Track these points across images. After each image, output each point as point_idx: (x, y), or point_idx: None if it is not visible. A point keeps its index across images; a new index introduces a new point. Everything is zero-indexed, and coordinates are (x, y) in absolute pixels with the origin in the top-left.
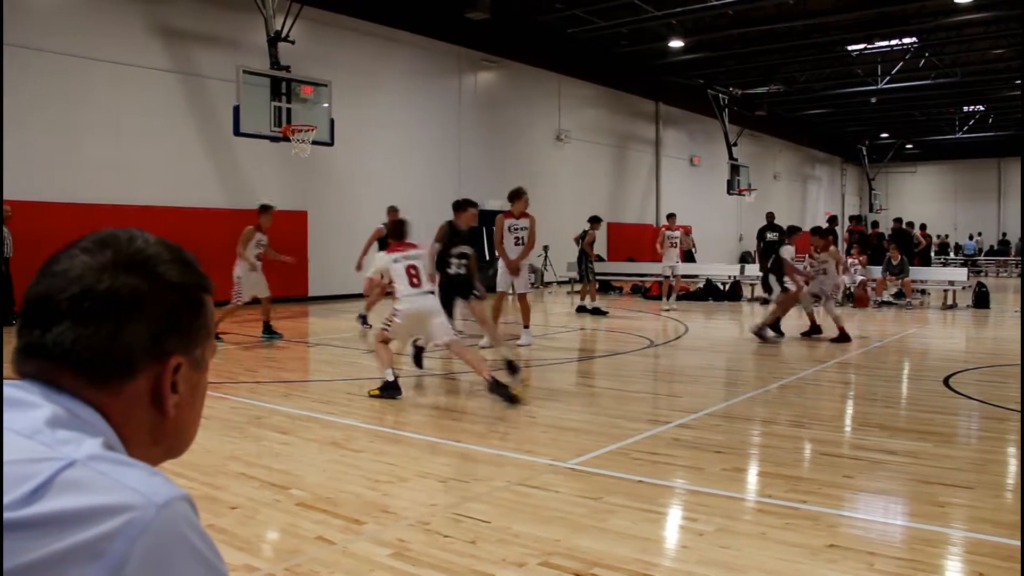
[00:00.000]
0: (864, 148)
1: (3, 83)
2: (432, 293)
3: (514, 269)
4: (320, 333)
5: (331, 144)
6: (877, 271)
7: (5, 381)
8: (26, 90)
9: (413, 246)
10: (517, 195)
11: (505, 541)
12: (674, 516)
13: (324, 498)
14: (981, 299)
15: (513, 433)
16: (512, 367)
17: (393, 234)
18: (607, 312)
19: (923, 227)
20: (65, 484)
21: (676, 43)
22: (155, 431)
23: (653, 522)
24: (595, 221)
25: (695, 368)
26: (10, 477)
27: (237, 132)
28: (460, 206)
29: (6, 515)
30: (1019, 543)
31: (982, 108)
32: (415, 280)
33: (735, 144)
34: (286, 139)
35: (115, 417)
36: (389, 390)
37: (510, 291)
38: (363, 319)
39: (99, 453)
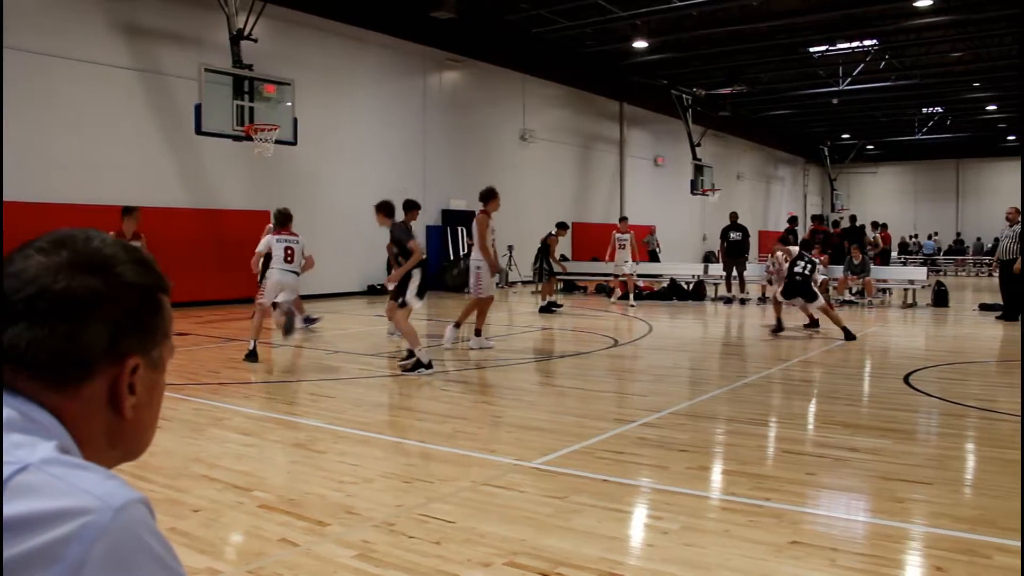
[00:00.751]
0: (826, 148)
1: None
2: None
3: (496, 270)
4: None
5: (294, 143)
6: (839, 270)
7: None
8: None
9: (294, 233)
10: (492, 194)
11: (471, 541)
12: (640, 515)
13: (288, 500)
14: (940, 298)
15: (478, 433)
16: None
17: (279, 222)
18: (561, 306)
19: (884, 227)
20: (19, 488)
21: (641, 43)
22: (112, 433)
23: (619, 521)
24: (562, 227)
25: (660, 367)
26: None
27: (199, 131)
28: (412, 206)
29: None
30: (975, 537)
31: (941, 110)
32: (289, 258)
33: (699, 144)
34: (249, 138)
35: (71, 420)
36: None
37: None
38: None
39: (53, 457)
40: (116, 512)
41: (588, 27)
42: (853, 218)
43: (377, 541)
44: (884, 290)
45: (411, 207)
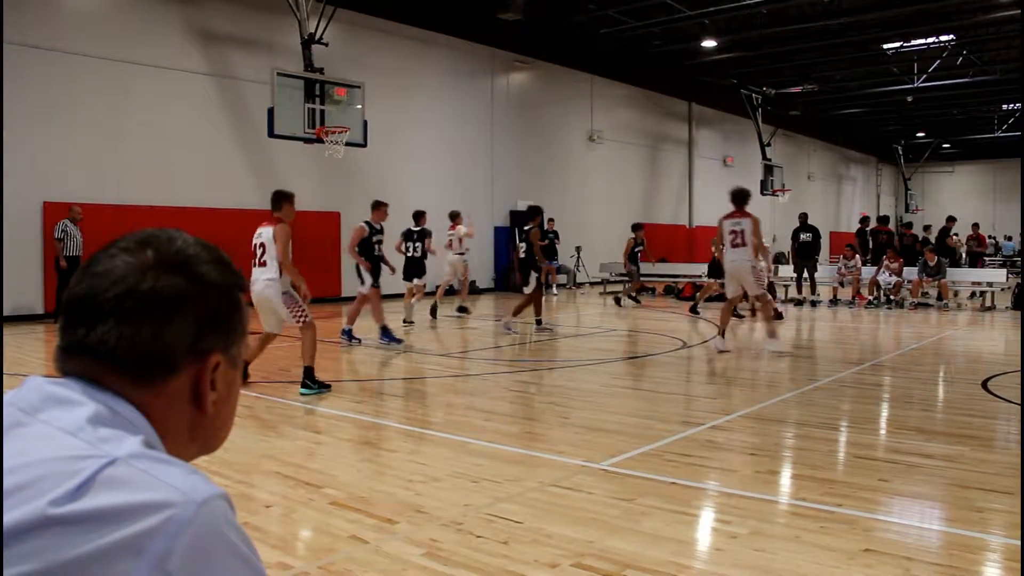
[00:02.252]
0: (900, 148)
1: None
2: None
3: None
4: (354, 333)
5: (364, 146)
6: (913, 272)
7: (50, 379)
8: (67, 93)
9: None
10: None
11: (538, 542)
12: (707, 518)
13: (357, 497)
14: (1021, 300)
15: (546, 434)
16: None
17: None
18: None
19: (975, 225)
20: (107, 481)
21: (709, 43)
22: (193, 428)
23: (686, 524)
24: (636, 228)
25: (728, 369)
26: (54, 473)
27: (271, 134)
28: (377, 205)
29: (52, 511)
30: None
31: (1021, 106)
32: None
33: (768, 144)
34: (320, 141)
35: (155, 415)
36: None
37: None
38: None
39: (140, 451)
40: (199, 506)
41: (655, 27)
42: (951, 219)
43: (445, 540)
44: (972, 294)
45: (376, 206)
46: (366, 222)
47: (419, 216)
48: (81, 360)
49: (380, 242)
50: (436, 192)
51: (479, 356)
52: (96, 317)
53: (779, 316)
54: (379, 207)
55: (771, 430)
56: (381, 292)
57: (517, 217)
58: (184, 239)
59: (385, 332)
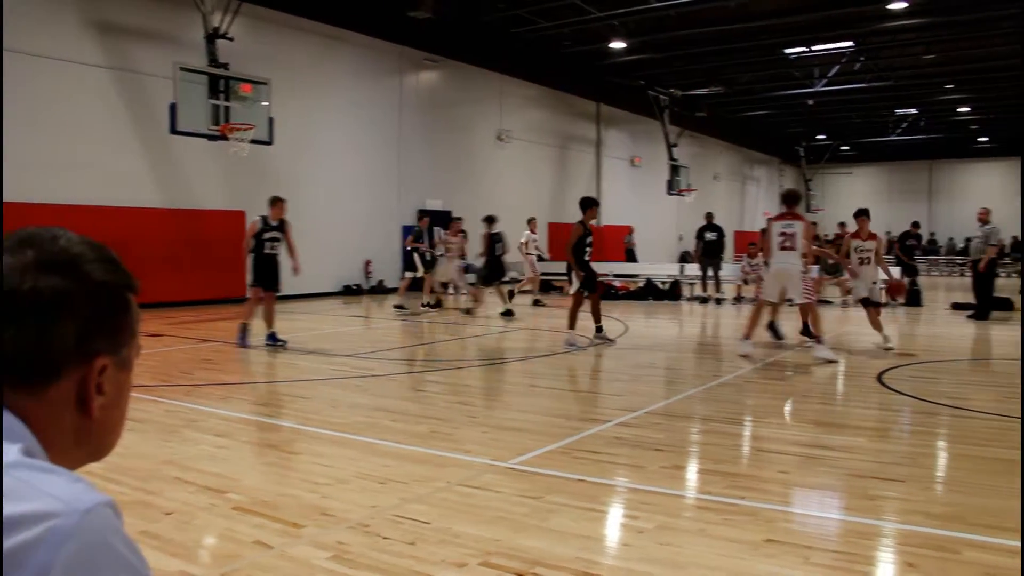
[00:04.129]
0: (802, 149)
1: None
2: None
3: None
4: (259, 334)
5: (270, 143)
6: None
7: None
8: None
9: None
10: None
11: (446, 542)
12: (615, 514)
13: (262, 501)
14: (914, 297)
15: (454, 433)
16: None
17: None
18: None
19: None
20: None
21: (618, 44)
22: (79, 434)
23: (594, 520)
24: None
25: (635, 367)
26: None
27: (174, 130)
28: (273, 201)
29: None
30: (946, 533)
31: (915, 111)
32: None
33: (675, 145)
34: (224, 138)
35: (36, 421)
36: None
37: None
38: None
39: (18, 460)
40: (82, 515)
41: (566, 27)
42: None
43: (352, 542)
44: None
45: (273, 202)
46: (261, 217)
47: (491, 220)
48: None
49: (276, 239)
50: (344, 190)
51: (387, 356)
52: None
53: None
54: (276, 203)
55: (677, 426)
56: (275, 293)
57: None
58: (68, 237)
59: (245, 335)
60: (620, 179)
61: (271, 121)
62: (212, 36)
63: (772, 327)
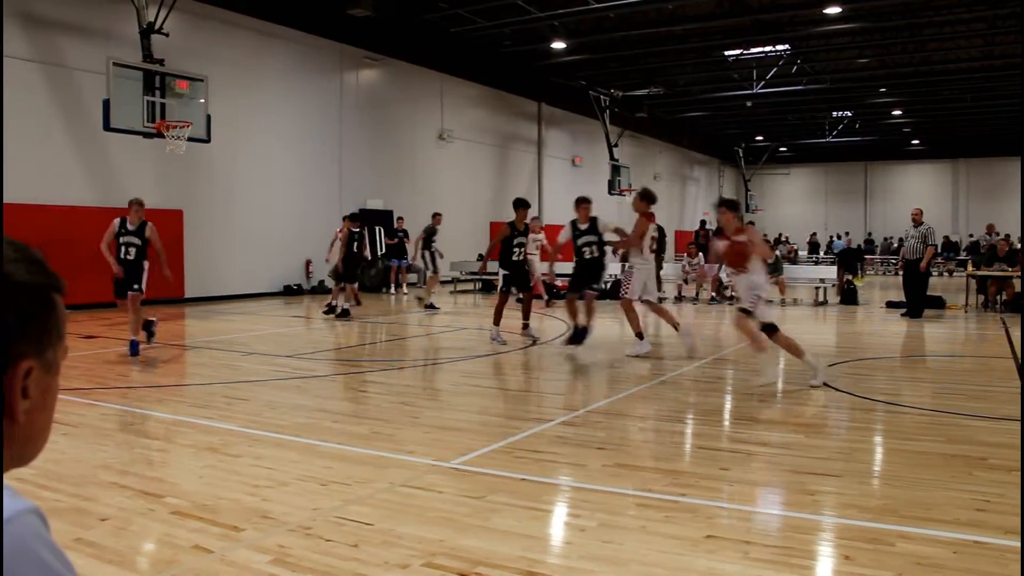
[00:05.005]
0: (740, 150)
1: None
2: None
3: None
4: (197, 335)
5: (208, 141)
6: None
7: None
8: None
9: None
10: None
11: (389, 543)
12: (558, 513)
13: (201, 505)
14: (849, 296)
15: (396, 434)
16: None
17: None
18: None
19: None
20: None
21: (559, 44)
22: (6, 440)
23: (537, 519)
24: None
25: (577, 366)
26: None
27: (107, 127)
28: (130, 204)
29: None
30: (880, 526)
31: (849, 114)
32: None
33: (616, 145)
34: (160, 135)
35: None
36: None
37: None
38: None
39: None
40: (6, 524)
41: (506, 27)
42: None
43: (293, 545)
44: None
45: (130, 204)
46: (120, 219)
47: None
48: None
49: (131, 244)
50: (284, 189)
51: (327, 357)
52: None
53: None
54: (131, 206)
55: (618, 424)
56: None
57: (366, 216)
58: None
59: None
60: (561, 179)
61: (208, 118)
62: (147, 31)
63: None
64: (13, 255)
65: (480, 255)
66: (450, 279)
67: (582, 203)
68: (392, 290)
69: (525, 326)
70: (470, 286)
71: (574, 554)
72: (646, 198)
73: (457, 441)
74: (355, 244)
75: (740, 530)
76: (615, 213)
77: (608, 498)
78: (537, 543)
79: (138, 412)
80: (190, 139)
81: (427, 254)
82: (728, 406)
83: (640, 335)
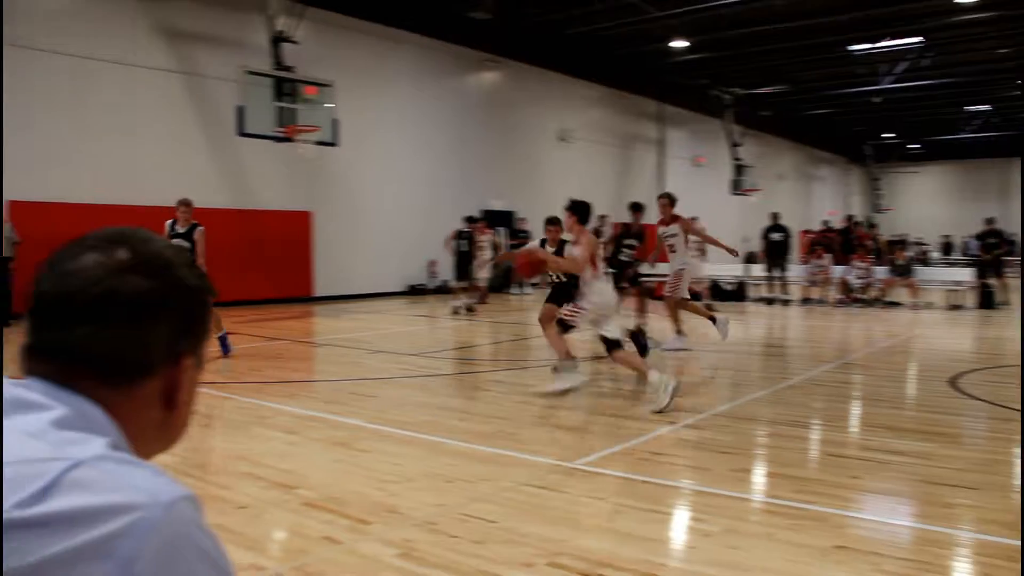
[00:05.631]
0: (868, 148)
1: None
2: None
3: None
4: (325, 333)
5: (335, 144)
6: (883, 272)
7: (13, 381)
8: (30, 90)
9: None
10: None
11: (512, 541)
12: (681, 517)
13: (331, 498)
14: (986, 299)
15: (519, 433)
16: None
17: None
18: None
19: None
20: (72, 483)
21: (678, 43)
22: (159, 429)
23: (660, 523)
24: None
25: (701, 368)
26: (18, 477)
27: (241, 132)
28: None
29: (17, 514)
30: (1019, 543)
31: (985, 108)
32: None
33: (739, 144)
34: (289, 140)
35: (122, 416)
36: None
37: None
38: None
39: (105, 453)
40: (166, 508)
41: (625, 27)
42: (850, 218)
43: (419, 540)
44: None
45: (179, 205)
46: (169, 222)
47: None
48: (52, 361)
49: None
50: (407, 191)
51: (450, 356)
52: (73, 319)
53: None
54: (180, 207)
55: (744, 428)
56: None
57: (488, 217)
58: (159, 240)
59: None
60: (683, 179)
61: (335, 122)
62: (277, 40)
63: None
64: (181, 260)
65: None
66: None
67: (551, 224)
68: (515, 291)
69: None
70: None
71: (697, 559)
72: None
73: (580, 442)
74: (466, 244)
75: (871, 542)
76: (737, 213)
77: (733, 503)
78: (660, 546)
79: (271, 406)
80: (318, 143)
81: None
82: (857, 412)
83: (679, 332)
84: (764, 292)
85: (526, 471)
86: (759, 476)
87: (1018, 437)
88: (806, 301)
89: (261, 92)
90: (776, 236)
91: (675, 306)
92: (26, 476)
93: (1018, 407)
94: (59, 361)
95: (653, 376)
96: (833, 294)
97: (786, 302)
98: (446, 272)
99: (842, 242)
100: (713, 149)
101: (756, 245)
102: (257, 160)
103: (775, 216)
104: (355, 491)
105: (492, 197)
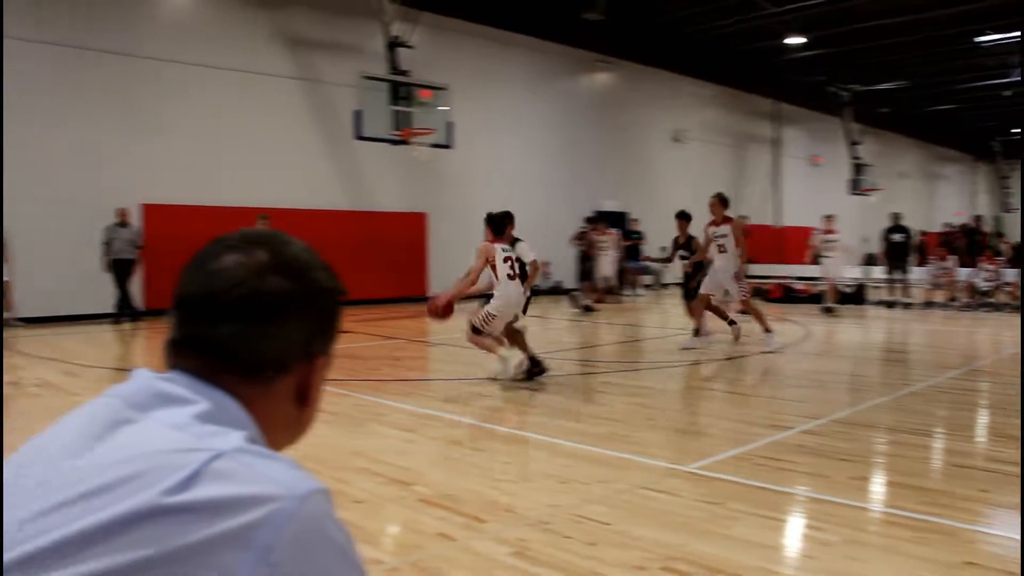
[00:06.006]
0: (997, 144)
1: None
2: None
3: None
4: (440, 333)
5: (449, 147)
6: (1012, 274)
7: (158, 375)
8: (158, 99)
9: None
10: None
11: (626, 544)
12: (798, 524)
13: (446, 495)
14: None
15: (633, 435)
16: None
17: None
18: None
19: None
20: (214, 474)
21: (795, 40)
22: (291, 423)
23: (776, 530)
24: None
25: (818, 373)
26: (164, 465)
27: (359, 136)
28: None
29: (165, 500)
30: None
31: None
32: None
33: (858, 142)
34: (405, 142)
35: (258, 411)
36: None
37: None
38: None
39: (243, 446)
40: (301, 500)
41: (740, 24)
42: (977, 218)
43: (533, 539)
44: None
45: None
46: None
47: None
48: (196, 357)
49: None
50: (519, 192)
51: (565, 357)
52: (218, 316)
53: None
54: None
55: (863, 435)
56: None
57: (601, 218)
58: (296, 243)
59: None
60: (799, 179)
61: (450, 125)
62: (393, 45)
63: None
64: (317, 263)
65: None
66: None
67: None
68: (629, 291)
69: (731, 322)
70: None
71: (816, 568)
72: (724, 202)
73: (695, 445)
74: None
75: (1006, 560)
76: (856, 214)
77: (853, 512)
78: (776, 554)
79: (388, 404)
80: (433, 145)
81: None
82: (984, 421)
83: (768, 330)
84: (884, 295)
85: (640, 474)
86: (880, 485)
87: None
88: (929, 305)
89: (377, 96)
90: (897, 237)
91: (750, 307)
92: (171, 465)
93: None
94: (203, 357)
95: (503, 351)
96: (960, 297)
97: (907, 305)
98: (559, 273)
99: (967, 243)
100: (831, 148)
101: (876, 246)
102: (374, 163)
103: (896, 216)
104: (470, 489)
105: (604, 198)
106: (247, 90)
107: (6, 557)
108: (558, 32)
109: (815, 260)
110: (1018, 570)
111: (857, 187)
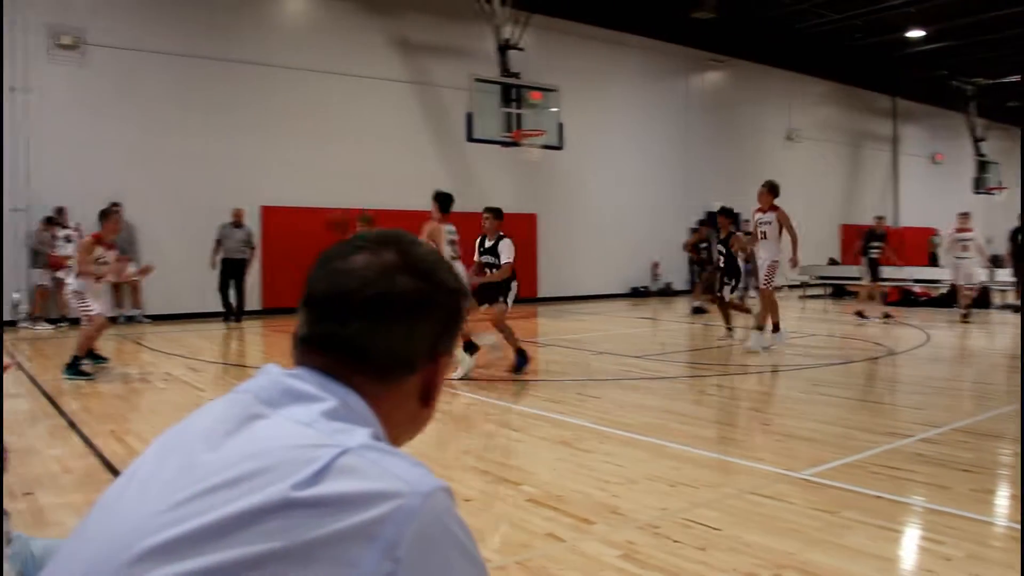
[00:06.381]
0: None
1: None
2: None
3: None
4: (550, 333)
5: (560, 148)
6: None
7: (287, 372)
8: (276, 104)
9: None
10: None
11: (736, 550)
12: (916, 536)
13: (554, 496)
14: None
15: (744, 440)
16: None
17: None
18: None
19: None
20: (342, 469)
21: (915, 33)
22: (412, 420)
23: (893, 541)
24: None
25: (938, 379)
26: (293, 460)
27: (470, 138)
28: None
29: (295, 494)
30: None
31: None
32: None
33: (983, 139)
34: (516, 144)
35: (383, 409)
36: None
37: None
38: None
39: (369, 443)
40: (425, 497)
41: (856, 18)
42: None
43: (641, 543)
44: None
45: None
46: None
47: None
48: (325, 354)
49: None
50: (630, 193)
51: (674, 359)
52: (348, 315)
53: None
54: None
55: (987, 446)
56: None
57: (713, 217)
58: (421, 244)
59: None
60: (919, 177)
61: (560, 127)
62: (503, 47)
63: None
64: (443, 264)
65: (832, 259)
66: (799, 283)
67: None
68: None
69: (729, 328)
70: (820, 291)
71: None
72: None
73: (807, 451)
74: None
75: None
76: (981, 213)
77: (976, 526)
78: (893, 566)
79: (498, 403)
80: (544, 147)
81: (864, 260)
82: None
83: (777, 326)
84: (1011, 299)
85: (750, 479)
86: (1005, 499)
87: None
88: None
89: (489, 99)
90: None
91: (768, 296)
92: (301, 460)
93: None
94: (332, 354)
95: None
96: None
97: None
98: (669, 274)
99: None
100: (953, 145)
101: (1002, 247)
102: (485, 164)
103: None
104: (578, 490)
105: (715, 198)
106: (362, 94)
107: (145, 544)
108: (668, 31)
109: (935, 261)
110: None
111: (982, 185)
